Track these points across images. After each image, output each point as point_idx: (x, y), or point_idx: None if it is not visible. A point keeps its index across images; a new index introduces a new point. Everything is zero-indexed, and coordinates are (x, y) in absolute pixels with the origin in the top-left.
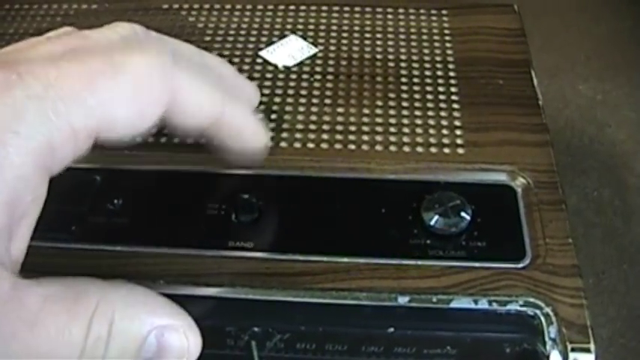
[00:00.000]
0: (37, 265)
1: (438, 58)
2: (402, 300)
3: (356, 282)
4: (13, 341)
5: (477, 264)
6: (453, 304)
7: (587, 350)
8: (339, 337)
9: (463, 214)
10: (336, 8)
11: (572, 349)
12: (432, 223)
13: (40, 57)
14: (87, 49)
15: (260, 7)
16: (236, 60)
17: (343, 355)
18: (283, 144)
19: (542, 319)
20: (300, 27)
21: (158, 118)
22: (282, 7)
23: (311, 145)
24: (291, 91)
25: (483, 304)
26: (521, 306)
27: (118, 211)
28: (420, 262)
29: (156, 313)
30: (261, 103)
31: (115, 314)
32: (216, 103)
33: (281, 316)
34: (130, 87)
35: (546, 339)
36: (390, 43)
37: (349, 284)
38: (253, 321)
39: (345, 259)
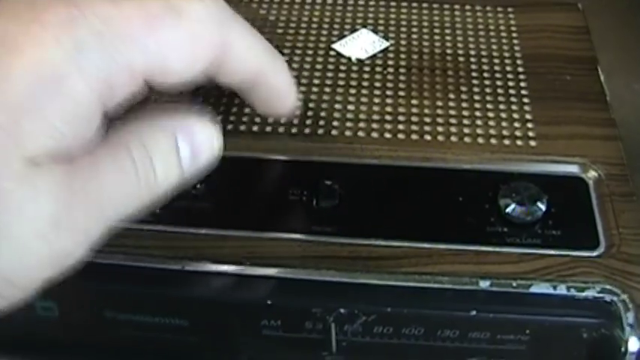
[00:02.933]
0: (126, 246)
1: (506, 54)
2: (484, 284)
3: (438, 266)
4: None
5: (553, 251)
6: (533, 289)
7: None
8: (420, 320)
9: (539, 203)
10: (404, 4)
11: None
12: (509, 211)
13: None
14: None
15: (330, 1)
16: (309, 52)
17: (419, 340)
18: (361, 133)
19: (620, 305)
20: (370, 21)
21: (206, 68)
22: (351, 1)
23: (388, 135)
24: (365, 83)
25: (562, 289)
26: (598, 292)
27: (200, 196)
28: (498, 249)
29: (171, 118)
30: (337, 94)
31: (143, 139)
32: (261, 60)
33: (366, 299)
34: (187, 32)
35: (624, 325)
36: (459, 38)
37: (432, 268)
38: (339, 303)
39: (427, 245)
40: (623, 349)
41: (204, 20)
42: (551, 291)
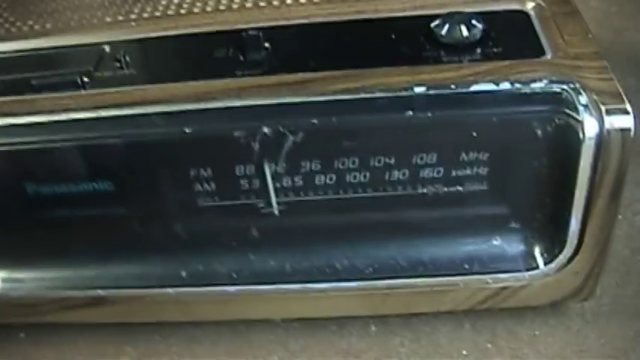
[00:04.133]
0: None
1: None
2: (419, 89)
3: (369, 80)
4: None
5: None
6: (474, 88)
7: (624, 111)
8: (352, 134)
9: (475, 22)
10: None
11: (608, 112)
12: (444, 33)
13: None
14: None
15: None
16: None
17: (367, 190)
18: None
19: (571, 91)
20: None
21: None
22: None
23: None
24: None
25: (505, 85)
26: (546, 84)
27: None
28: (435, 66)
29: None
30: None
31: None
32: None
33: (292, 116)
34: None
35: (578, 106)
36: None
37: (363, 82)
38: (262, 122)
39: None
40: (580, 134)
41: None
42: (493, 87)
